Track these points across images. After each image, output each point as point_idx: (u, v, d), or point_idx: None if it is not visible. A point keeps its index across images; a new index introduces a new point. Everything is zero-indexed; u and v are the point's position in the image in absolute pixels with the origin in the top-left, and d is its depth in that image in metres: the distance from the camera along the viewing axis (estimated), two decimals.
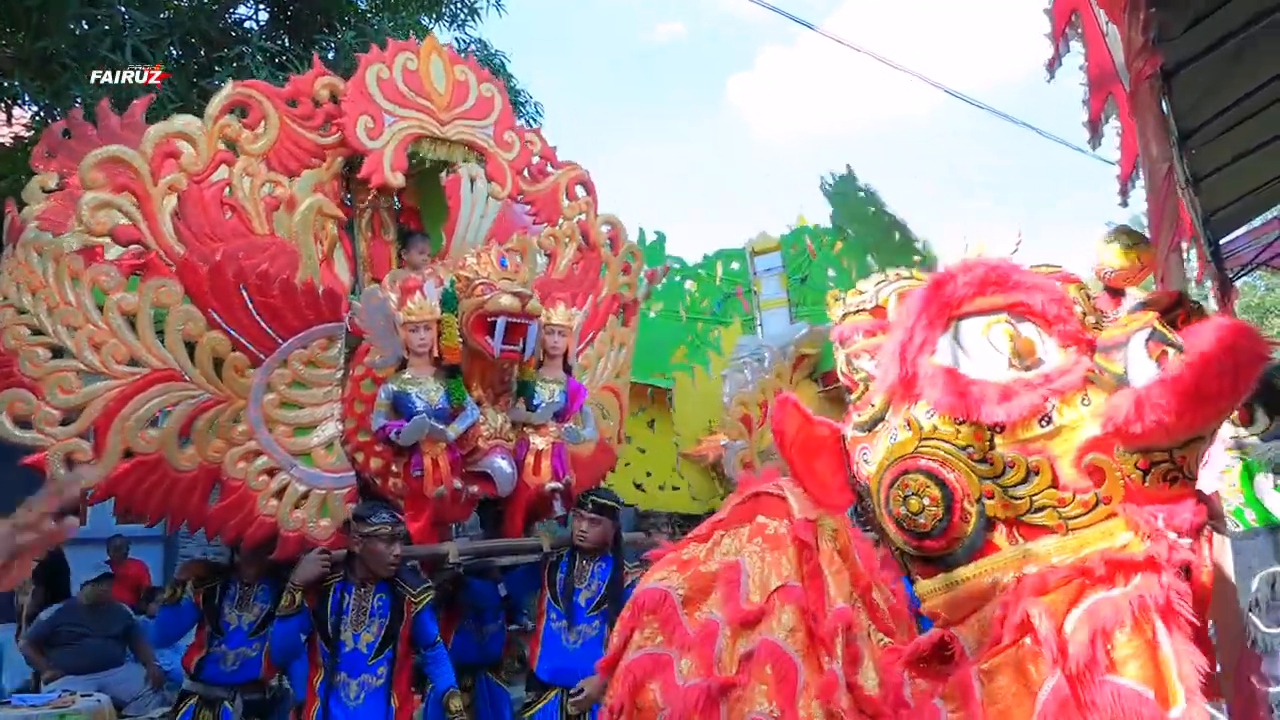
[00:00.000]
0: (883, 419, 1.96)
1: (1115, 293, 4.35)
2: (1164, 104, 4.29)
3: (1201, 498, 1.72)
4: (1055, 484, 1.74)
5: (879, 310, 2.09)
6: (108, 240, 3.80)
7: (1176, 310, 1.80)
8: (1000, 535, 1.79)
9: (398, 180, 4.60)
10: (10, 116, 7.41)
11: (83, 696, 6.02)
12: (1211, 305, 7.05)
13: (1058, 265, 1.99)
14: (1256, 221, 7.07)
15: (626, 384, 5.60)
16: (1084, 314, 1.84)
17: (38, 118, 7.54)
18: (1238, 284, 7.73)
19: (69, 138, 4.27)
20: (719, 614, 2.28)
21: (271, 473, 4.05)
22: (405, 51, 4.73)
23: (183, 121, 4.05)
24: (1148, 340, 1.70)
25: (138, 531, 9.26)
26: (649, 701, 2.31)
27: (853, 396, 2.10)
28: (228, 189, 4.10)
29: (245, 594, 4.30)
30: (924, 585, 1.91)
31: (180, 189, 3.93)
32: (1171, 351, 1.66)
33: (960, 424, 1.80)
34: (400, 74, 4.67)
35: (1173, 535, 1.64)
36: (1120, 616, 1.60)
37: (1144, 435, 1.60)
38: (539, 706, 4.29)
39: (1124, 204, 5.46)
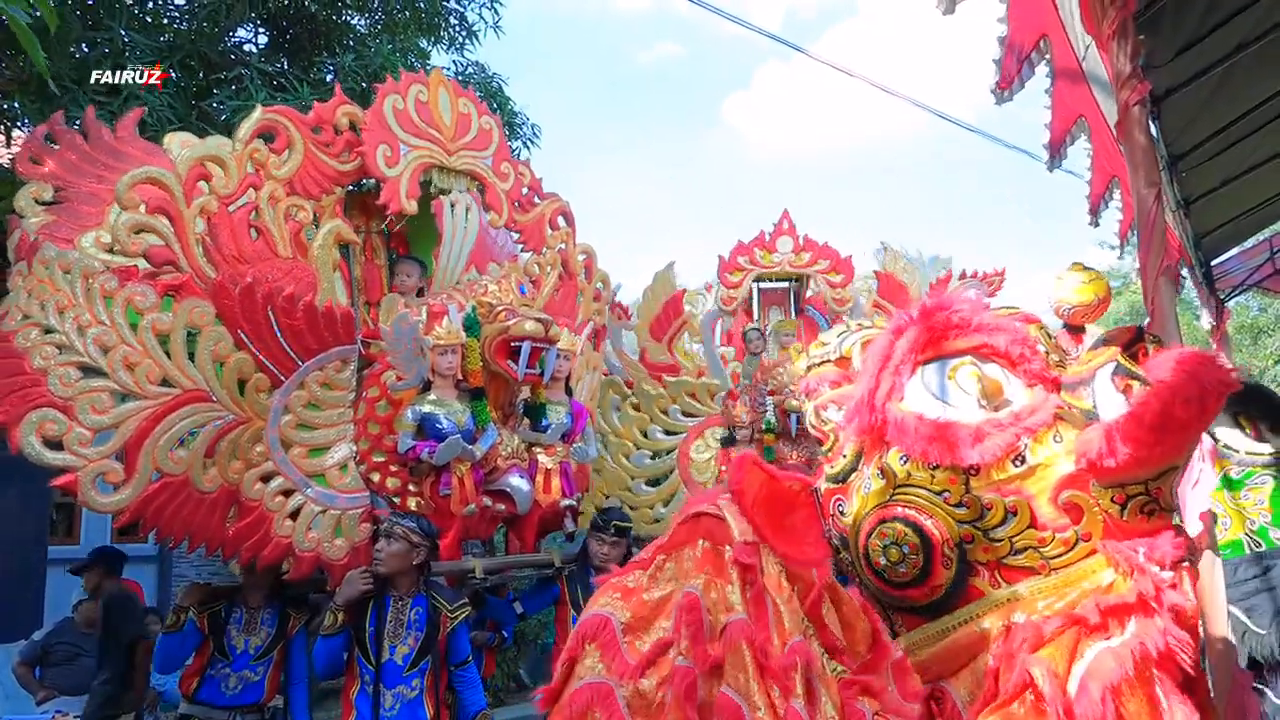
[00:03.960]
0: (855, 469, 1.96)
1: (1075, 330, 4.44)
2: (1153, 128, 4.42)
3: (1180, 530, 1.74)
4: (1034, 524, 1.74)
5: (843, 361, 2.12)
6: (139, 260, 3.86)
7: (1136, 344, 1.83)
8: (982, 580, 1.80)
9: (412, 208, 4.70)
10: (9, 138, 7.39)
11: (76, 717, 5.99)
12: (1206, 325, 7.17)
13: (1016, 307, 2.04)
14: (1248, 243, 7.21)
15: (596, 407, 5.75)
16: (1047, 353, 1.87)
17: None
18: (1230, 304, 7.86)
19: (52, 143, 4.29)
20: (686, 659, 2.10)
21: (288, 493, 4.09)
22: (417, 83, 4.85)
23: (214, 144, 4.13)
24: (1113, 375, 1.75)
25: (132, 551, 9.22)
26: None
27: (823, 449, 2.10)
28: (254, 212, 4.17)
29: (252, 617, 4.32)
30: (910, 637, 1.91)
31: (211, 211, 4.00)
32: (1136, 384, 1.71)
33: (935, 469, 1.80)
34: (413, 105, 4.77)
35: (1155, 569, 1.65)
36: (1124, 668, 1.59)
37: (1118, 469, 1.64)
38: None
39: (1095, 224, 5.58)
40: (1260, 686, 3.79)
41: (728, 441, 6.16)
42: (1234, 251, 7.11)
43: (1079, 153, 5.06)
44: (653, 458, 6.27)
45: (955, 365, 1.86)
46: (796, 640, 2.11)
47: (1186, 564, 1.70)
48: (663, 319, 6.62)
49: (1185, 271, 6.63)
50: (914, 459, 1.82)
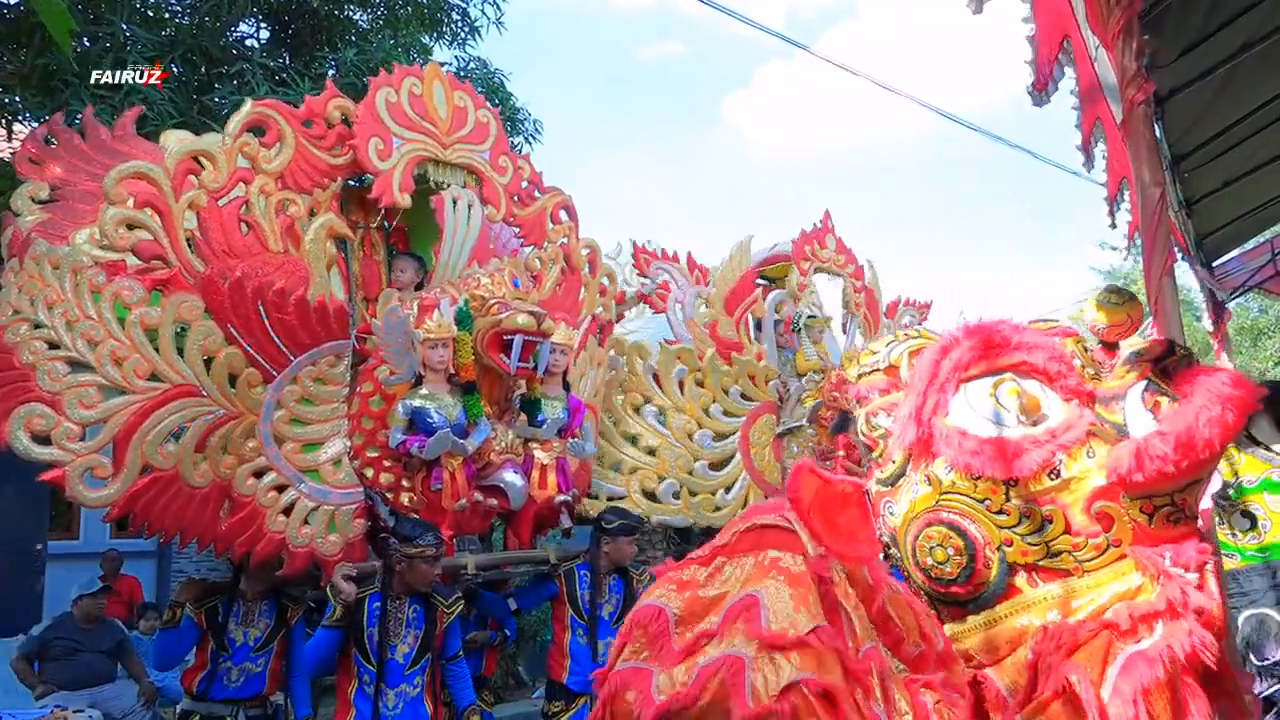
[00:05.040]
0: (904, 474, 2.08)
1: (1109, 346, 4.46)
2: (1157, 129, 4.38)
3: (1204, 536, 1.83)
4: (1068, 530, 1.86)
5: (892, 369, 2.23)
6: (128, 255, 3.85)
7: (1168, 358, 1.91)
8: (1021, 579, 1.90)
9: (405, 201, 4.67)
10: (11, 132, 7.41)
11: (75, 712, 5.99)
12: (1205, 325, 7.14)
13: (1055, 320, 2.15)
14: (1249, 244, 7.18)
15: (601, 402, 5.67)
16: (1082, 367, 1.97)
17: None
18: (1231, 305, 7.84)
19: (51, 144, 4.29)
20: (741, 645, 2.15)
21: (280, 489, 4.08)
22: (411, 76, 4.83)
23: (204, 138, 4.12)
24: (1144, 392, 1.84)
25: (131, 547, 9.27)
26: (624, 709, 2.30)
27: (874, 454, 2.22)
28: (244, 206, 4.15)
29: (250, 610, 4.32)
30: (955, 628, 2.00)
31: (200, 206, 3.99)
32: (1165, 401, 1.81)
33: (977, 479, 1.92)
34: (406, 98, 4.75)
35: (1179, 572, 1.75)
36: (1155, 671, 1.69)
37: (1145, 483, 1.74)
38: (570, 714, 4.53)
39: (1113, 225, 5.56)
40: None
41: (787, 432, 6.02)
42: (1235, 253, 7.09)
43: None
44: (715, 439, 5.94)
45: (997, 382, 1.96)
46: (869, 646, 2.20)
47: (1209, 566, 1.80)
48: (738, 292, 6.35)
49: (1191, 268, 6.59)
50: (958, 470, 1.94)
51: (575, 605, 4.61)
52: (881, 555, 2.20)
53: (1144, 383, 1.85)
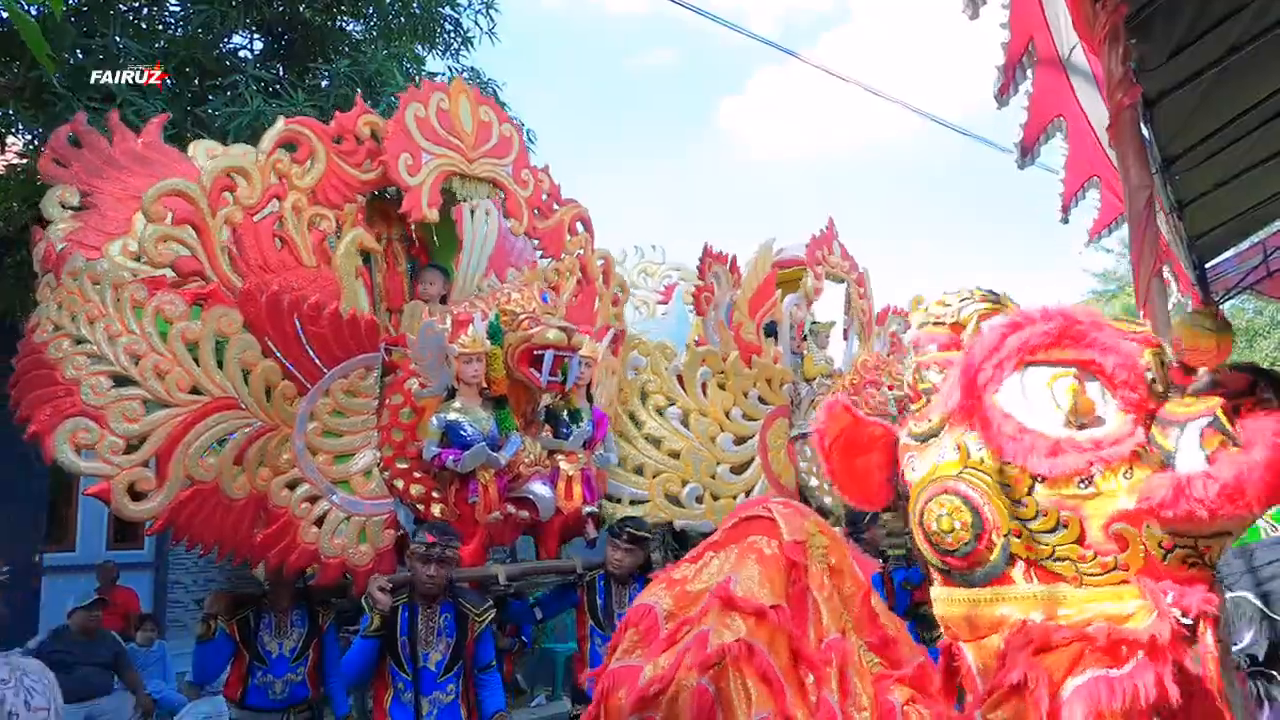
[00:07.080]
0: (936, 435, 2.03)
1: (1189, 370, 4.51)
2: (1147, 132, 4.46)
3: (1214, 586, 1.78)
4: (1081, 540, 1.80)
5: (957, 326, 2.16)
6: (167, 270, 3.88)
7: (1246, 396, 1.90)
8: (1018, 571, 1.87)
9: (434, 216, 4.74)
10: (3, 145, 7.36)
11: None
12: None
13: (1145, 323, 2.05)
14: (1242, 245, 7.26)
15: (614, 412, 5.70)
16: (1153, 380, 1.88)
17: (30, 146, 7.53)
18: (1226, 307, 7.90)
19: (76, 146, 4.29)
20: (710, 621, 2.24)
21: (313, 500, 4.11)
22: (438, 91, 4.91)
23: (238, 155, 4.15)
24: (1206, 426, 1.75)
25: (127, 559, 9.20)
26: (615, 707, 2.36)
27: (914, 406, 2.16)
28: (278, 222, 4.20)
29: (281, 620, 4.32)
30: (940, 591, 2.00)
31: (236, 222, 4.03)
32: (1223, 441, 1.71)
33: (1006, 464, 1.86)
34: (434, 113, 4.83)
35: (1177, 613, 1.70)
36: (1113, 701, 1.66)
37: (1175, 521, 1.68)
38: None
39: (1065, 220, 5.64)
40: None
41: (800, 437, 6.05)
42: (1228, 254, 7.17)
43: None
44: (736, 443, 5.94)
45: (1057, 374, 1.89)
46: (833, 637, 2.23)
47: (1210, 618, 1.74)
48: (760, 295, 6.34)
49: (1169, 273, 6.71)
50: (990, 448, 1.88)
51: (594, 614, 4.67)
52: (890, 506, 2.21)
53: (1210, 417, 1.74)
